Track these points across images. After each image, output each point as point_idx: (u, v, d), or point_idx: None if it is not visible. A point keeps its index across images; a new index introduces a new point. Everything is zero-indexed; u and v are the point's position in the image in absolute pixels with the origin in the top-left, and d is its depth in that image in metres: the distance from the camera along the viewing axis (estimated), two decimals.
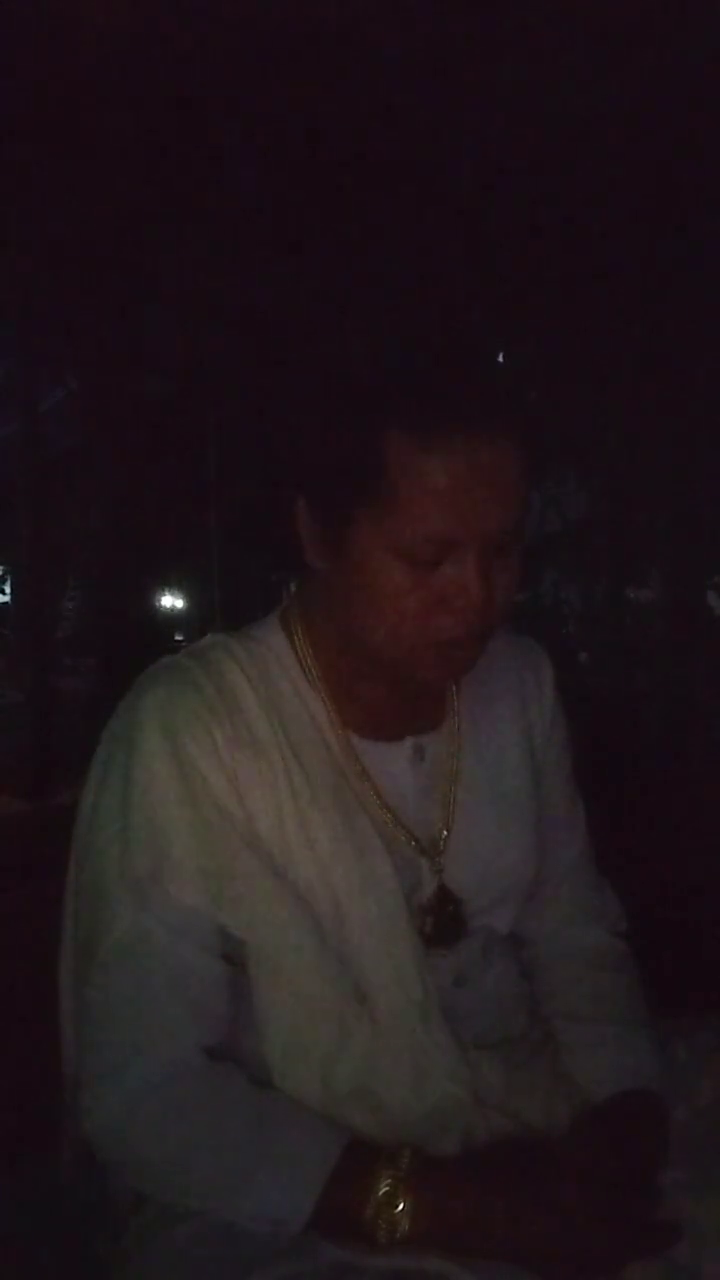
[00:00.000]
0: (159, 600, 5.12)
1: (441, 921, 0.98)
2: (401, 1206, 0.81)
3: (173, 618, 5.18)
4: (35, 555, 4.17)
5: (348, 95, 3.31)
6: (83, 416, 4.72)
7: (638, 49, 3.09)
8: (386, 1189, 0.81)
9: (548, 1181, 0.83)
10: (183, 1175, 0.86)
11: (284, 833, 0.91)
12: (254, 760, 0.92)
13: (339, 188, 3.61)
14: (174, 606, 5.20)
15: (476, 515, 0.84)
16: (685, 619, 4.38)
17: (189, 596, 5.17)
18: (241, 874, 0.89)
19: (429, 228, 3.73)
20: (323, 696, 0.97)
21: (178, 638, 5.02)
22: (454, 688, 1.04)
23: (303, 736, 0.95)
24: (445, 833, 0.99)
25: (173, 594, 5.18)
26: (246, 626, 1.02)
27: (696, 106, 3.27)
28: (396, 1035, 0.92)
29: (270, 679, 0.96)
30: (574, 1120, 0.97)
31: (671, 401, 4.19)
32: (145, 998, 0.88)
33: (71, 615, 5.15)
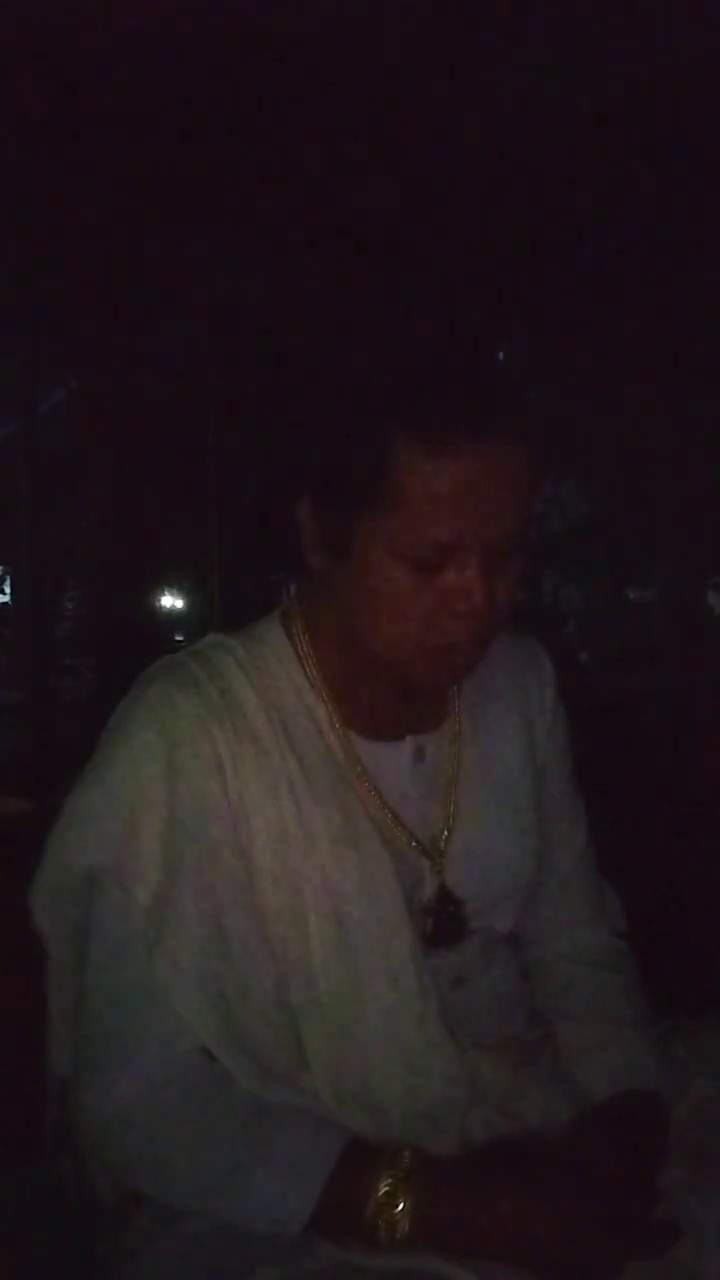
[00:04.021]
0: (159, 600, 5.12)
1: (442, 922, 0.98)
2: (401, 1206, 0.80)
3: (173, 618, 5.18)
4: (35, 555, 4.17)
5: (350, 97, 3.31)
6: (83, 416, 4.72)
7: (638, 50, 3.09)
8: (386, 1189, 0.81)
9: (548, 1182, 0.83)
10: (182, 1175, 0.86)
11: (283, 832, 0.91)
12: (254, 760, 0.92)
13: (342, 191, 3.61)
14: (174, 606, 5.20)
15: (481, 520, 0.84)
16: (685, 619, 4.38)
17: (189, 596, 5.17)
18: (198, 890, 0.89)
19: (432, 230, 3.73)
20: (323, 696, 0.97)
21: (178, 638, 5.02)
22: (455, 688, 1.04)
23: (303, 736, 0.95)
24: (446, 833, 0.99)
25: (173, 594, 5.18)
26: (247, 626, 1.02)
27: (697, 107, 3.27)
28: (394, 1036, 0.92)
29: (271, 679, 0.96)
30: (574, 1120, 0.97)
31: (672, 402, 4.19)
32: (143, 997, 0.88)
33: (71, 615, 5.15)
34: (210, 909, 0.89)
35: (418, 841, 0.98)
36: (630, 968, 1.12)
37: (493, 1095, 0.95)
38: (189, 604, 5.16)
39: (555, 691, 1.11)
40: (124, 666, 1.02)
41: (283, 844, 0.91)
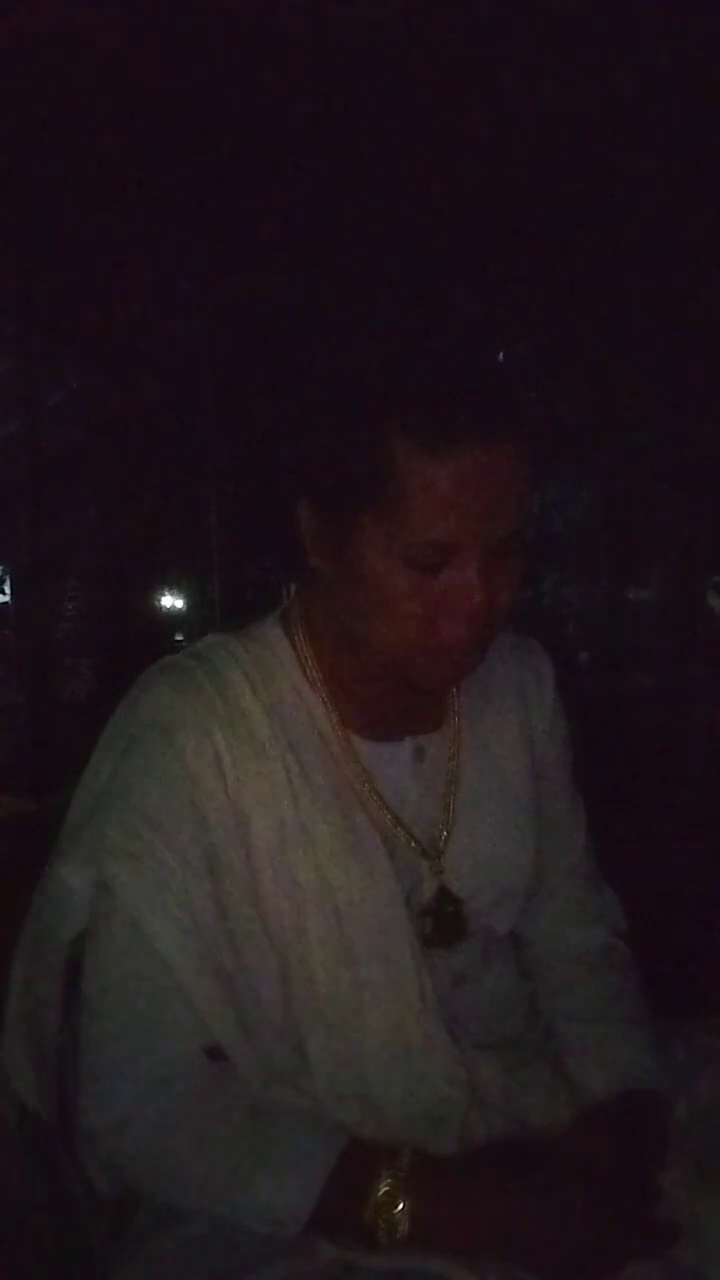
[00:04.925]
0: (159, 600, 5.12)
1: (441, 922, 0.98)
2: (401, 1207, 0.80)
3: (173, 618, 5.18)
4: (35, 555, 4.17)
5: (351, 99, 3.31)
6: (83, 416, 4.73)
7: (636, 53, 3.10)
8: (386, 1189, 0.81)
9: (548, 1182, 0.83)
10: (183, 1176, 0.86)
11: (283, 833, 0.91)
12: (254, 761, 0.92)
13: (342, 191, 3.62)
14: (174, 606, 5.19)
15: (479, 520, 0.84)
16: (685, 619, 4.38)
17: (189, 596, 5.17)
18: (201, 890, 0.89)
19: (432, 230, 3.73)
20: (323, 697, 0.97)
21: (178, 638, 5.02)
22: (455, 688, 1.04)
23: (303, 737, 0.95)
24: (445, 833, 0.99)
25: (173, 594, 5.17)
26: (247, 626, 1.02)
27: (696, 109, 3.27)
28: (394, 1036, 0.93)
29: (271, 679, 0.96)
30: (574, 1120, 0.97)
31: (671, 402, 4.19)
32: (144, 998, 0.88)
33: (71, 615, 5.15)
34: (215, 909, 0.89)
35: (417, 842, 0.98)
36: (630, 968, 1.12)
37: (493, 1095, 0.95)
38: (189, 604, 5.16)
39: (555, 691, 1.11)
40: (124, 666, 1.02)
41: (282, 844, 0.91)
